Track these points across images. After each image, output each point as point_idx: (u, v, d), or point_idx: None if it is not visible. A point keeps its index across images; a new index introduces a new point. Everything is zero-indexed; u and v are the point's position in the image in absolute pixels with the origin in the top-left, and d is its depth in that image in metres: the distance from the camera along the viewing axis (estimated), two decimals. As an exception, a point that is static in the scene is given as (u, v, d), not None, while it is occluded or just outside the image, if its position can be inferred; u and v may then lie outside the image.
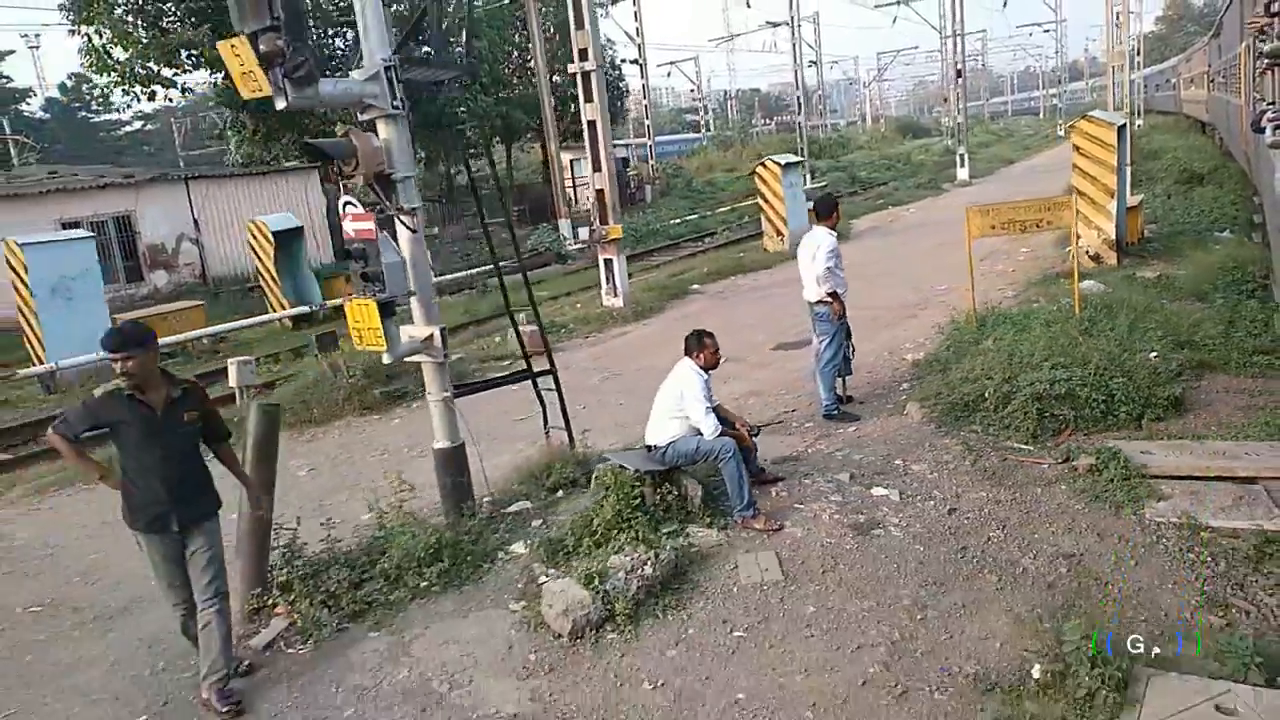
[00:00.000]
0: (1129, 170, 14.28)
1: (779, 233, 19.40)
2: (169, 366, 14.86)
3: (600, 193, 14.19)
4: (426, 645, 4.89)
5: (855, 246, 18.26)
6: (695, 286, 16.57)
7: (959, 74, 31.44)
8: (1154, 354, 7.77)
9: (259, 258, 17.58)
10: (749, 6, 42.13)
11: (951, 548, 5.24)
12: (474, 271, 21.50)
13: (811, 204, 8.69)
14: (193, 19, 23.87)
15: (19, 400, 13.43)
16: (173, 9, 24.96)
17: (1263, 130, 8.77)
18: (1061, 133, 56.91)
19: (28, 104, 75.73)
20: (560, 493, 6.66)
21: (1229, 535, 5.04)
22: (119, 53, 24.68)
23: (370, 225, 5.56)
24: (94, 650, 5.39)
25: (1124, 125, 13.25)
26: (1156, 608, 4.45)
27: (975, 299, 9.51)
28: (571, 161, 44.04)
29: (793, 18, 36.52)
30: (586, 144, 14.27)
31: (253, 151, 28.12)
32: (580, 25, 13.69)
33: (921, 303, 12.29)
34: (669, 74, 67.97)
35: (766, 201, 19.52)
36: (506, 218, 9.28)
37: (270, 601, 5.30)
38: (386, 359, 5.91)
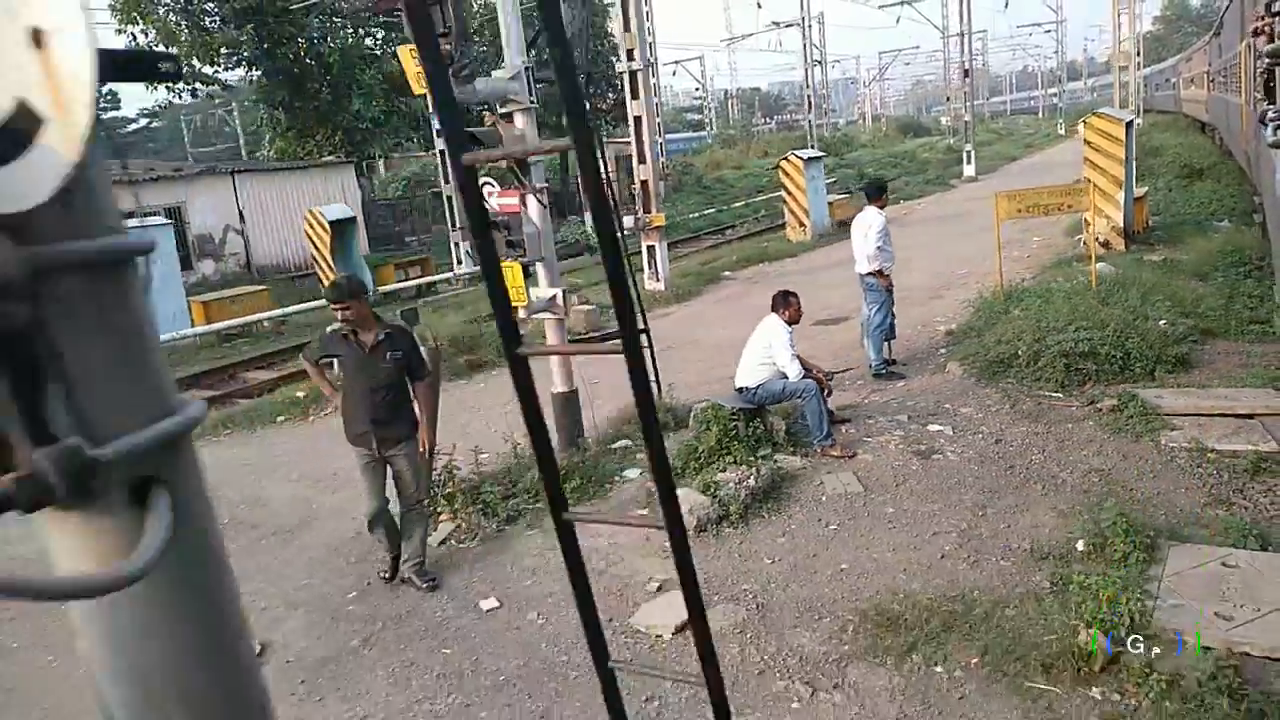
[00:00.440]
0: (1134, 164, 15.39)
1: (801, 223, 20.50)
2: (238, 344, 15.83)
3: (644, 183, 15.28)
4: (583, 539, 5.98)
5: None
6: (727, 273, 17.66)
7: (966, 73, 32.56)
8: (1162, 321, 8.87)
9: (316, 246, 18.64)
10: (759, 7, 43.16)
11: (1001, 467, 6.34)
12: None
13: (863, 189, 9.74)
14: (236, 20, 24.88)
15: (108, 374, 14.45)
16: (214, 9, 25.97)
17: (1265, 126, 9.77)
18: (1063, 131, 58.09)
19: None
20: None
21: (1230, 455, 6.14)
22: (165, 50, 25.67)
23: (515, 200, 6.66)
24: (287, 554, 6.47)
25: (1131, 121, 14.36)
26: (1173, 505, 5.55)
27: (1003, 276, 10.60)
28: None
29: (803, 18, 37.60)
30: (633, 138, 15.32)
31: (286, 147, 29.16)
32: (627, 28, 14.75)
33: (945, 285, 13.38)
34: (674, 73, 69.05)
35: (790, 194, 20.62)
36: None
37: (437, 510, 6.39)
38: (522, 314, 7.01)
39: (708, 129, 77.88)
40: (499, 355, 7.54)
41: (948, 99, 71.03)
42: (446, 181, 21.20)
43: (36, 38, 0.67)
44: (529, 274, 6.87)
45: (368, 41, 30.26)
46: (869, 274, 8.64)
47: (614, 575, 5.41)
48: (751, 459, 6.50)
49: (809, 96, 38.20)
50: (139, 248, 0.84)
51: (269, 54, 25.70)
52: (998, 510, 5.71)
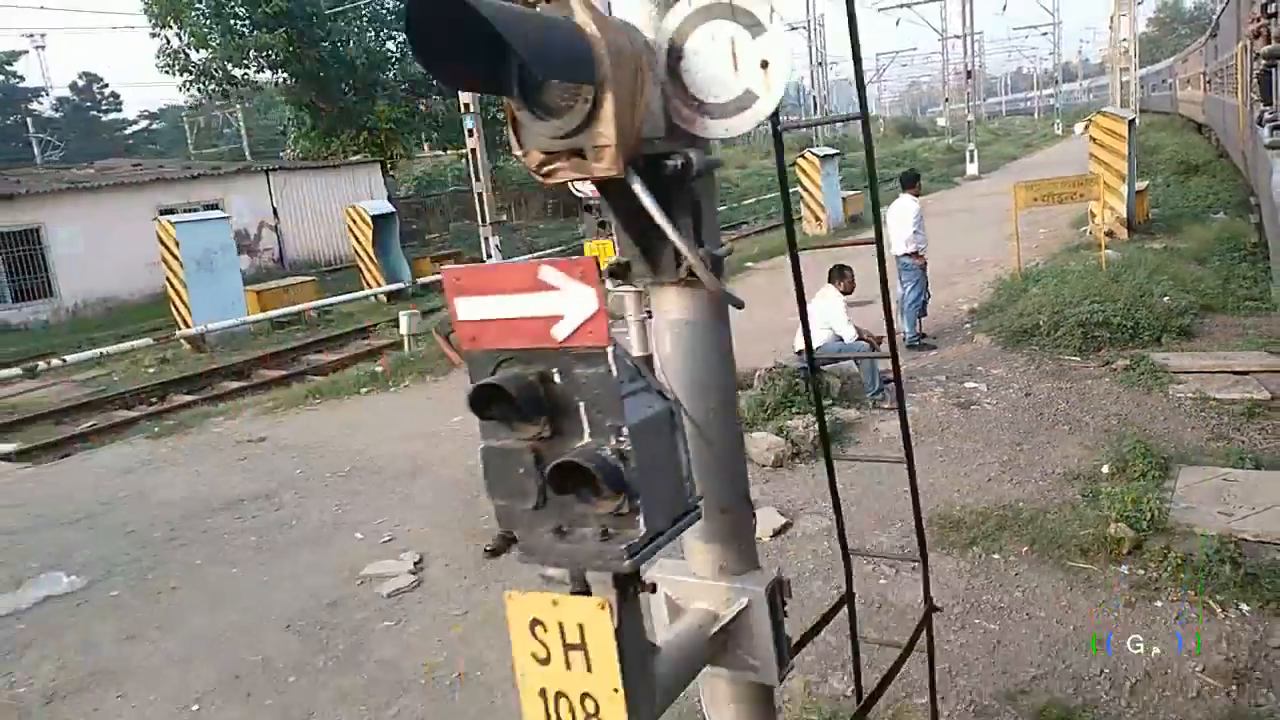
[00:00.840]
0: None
1: (817, 217, 21.51)
2: (289, 332, 16.82)
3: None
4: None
5: (887, 230, 20.36)
6: (750, 264, 18.67)
7: (969, 74, 33.64)
8: (1166, 298, 9.87)
9: (357, 239, 19.61)
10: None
11: (1031, 414, 7.35)
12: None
13: (899, 178, 10.71)
14: (268, 24, 25.83)
15: (176, 356, 15.44)
16: (245, 14, 26.92)
17: (1261, 127, 10.61)
18: (1059, 131, 59.18)
19: (39, 103, 77.43)
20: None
21: (1229, 403, 7.15)
22: (196, 54, 26.69)
23: (607, 185, 7.63)
24: (413, 490, 7.45)
25: (1134, 120, 15.40)
26: (1181, 440, 6.55)
27: (1020, 258, 11.62)
28: (595, 158, 45.99)
29: (810, 21, 38.64)
30: (665, 136, 16.25)
31: (310, 146, 30.12)
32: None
33: (961, 272, 14.39)
34: (677, 74, 69.73)
35: (806, 190, 21.63)
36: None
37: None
38: (609, 285, 7.99)
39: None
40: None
41: (945, 100, 72.10)
42: (477, 179, 22.10)
43: (764, 64, 1.66)
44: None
45: (389, 45, 31.22)
46: (905, 255, 9.63)
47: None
48: (812, 410, 7.49)
49: (815, 98, 39.23)
50: (718, 163, 1.85)
51: (297, 56, 26.66)
52: (1032, 446, 6.71)
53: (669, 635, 2.00)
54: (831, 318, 7.91)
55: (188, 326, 15.80)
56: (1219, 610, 4.49)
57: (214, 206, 23.91)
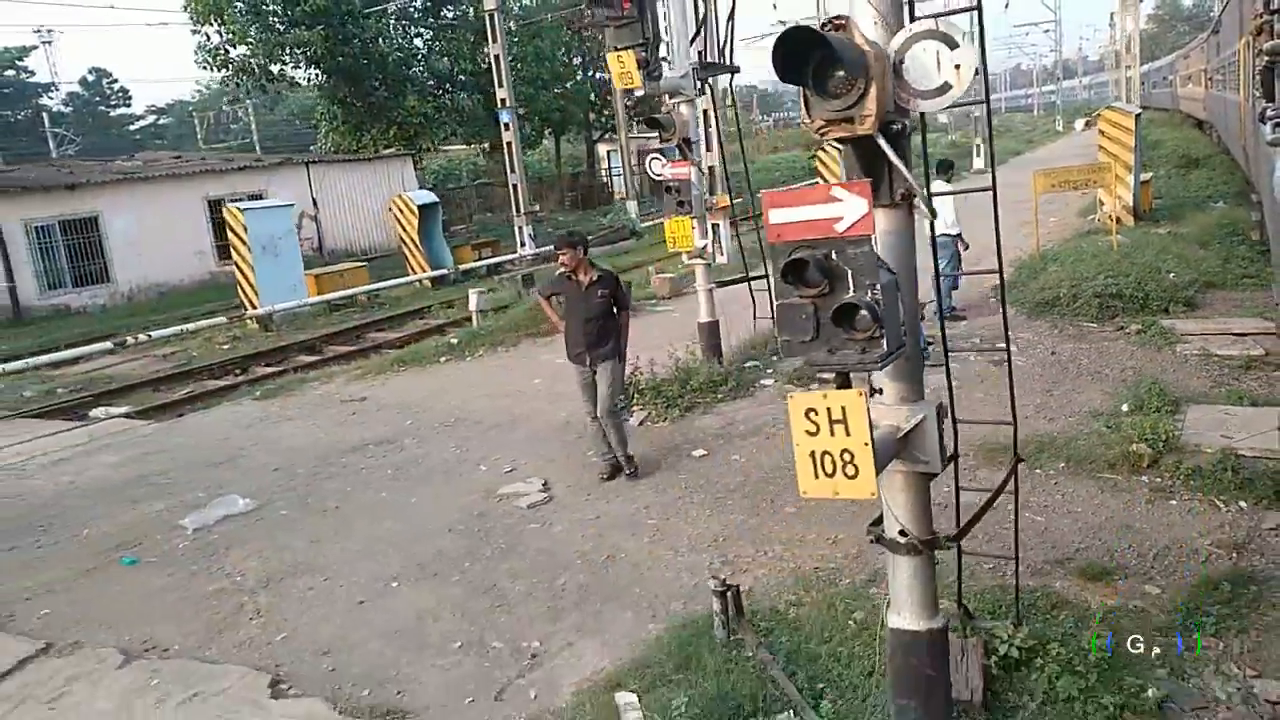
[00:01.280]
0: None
1: (837, 208, 22.57)
2: (344, 314, 17.97)
3: (711, 169, 17.32)
4: (745, 416, 8.09)
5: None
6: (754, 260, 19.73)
7: (977, 71, 34.50)
8: (1172, 274, 10.96)
9: (403, 227, 20.68)
10: (775, 8, 45.22)
11: (1058, 369, 8.45)
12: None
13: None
14: (307, 22, 26.86)
15: (245, 335, 16.52)
16: (282, 11, 27.92)
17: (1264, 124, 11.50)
18: (1060, 128, 60.15)
19: (50, 98, 78.36)
20: (774, 357, 9.85)
21: (1229, 358, 8.23)
22: (235, 50, 27.73)
23: (687, 170, 8.73)
24: (514, 437, 8.53)
25: (1139, 114, 16.49)
26: (1188, 386, 7.64)
27: (1039, 240, 12.71)
28: (608, 153, 47.13)
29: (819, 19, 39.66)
30: (701, 123, 17.33)
31: (341, 140, 31.17)
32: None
33: (979, 255, 15.48)
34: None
35: (827, 182, 22.68)
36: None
37: (632, 402, 8.46)
38: (685, 259, 9.08)
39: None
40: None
41: (949, 96, 72.38)
42: (512, 170, 23.16)
43: (956, 66, 2.75)
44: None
45: (416, 42, 32.26)
46: (940, 235, 10.70)
47: (780, 436, 7.51)
48: (867, 365, 8.59)
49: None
50: (916, 128, 2.95)
51: (334, 52, 27.70)
52: (1061, 392, 7.81)
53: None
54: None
55: (254, 307, 16.87)
56: (1222, 506, 5.59)
57: (257, 197, 24.97)
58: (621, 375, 7.40)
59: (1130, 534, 5.36)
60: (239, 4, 27.11)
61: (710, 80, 9.60)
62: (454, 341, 12.71)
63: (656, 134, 9.14)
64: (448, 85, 32.67)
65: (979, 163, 34.76)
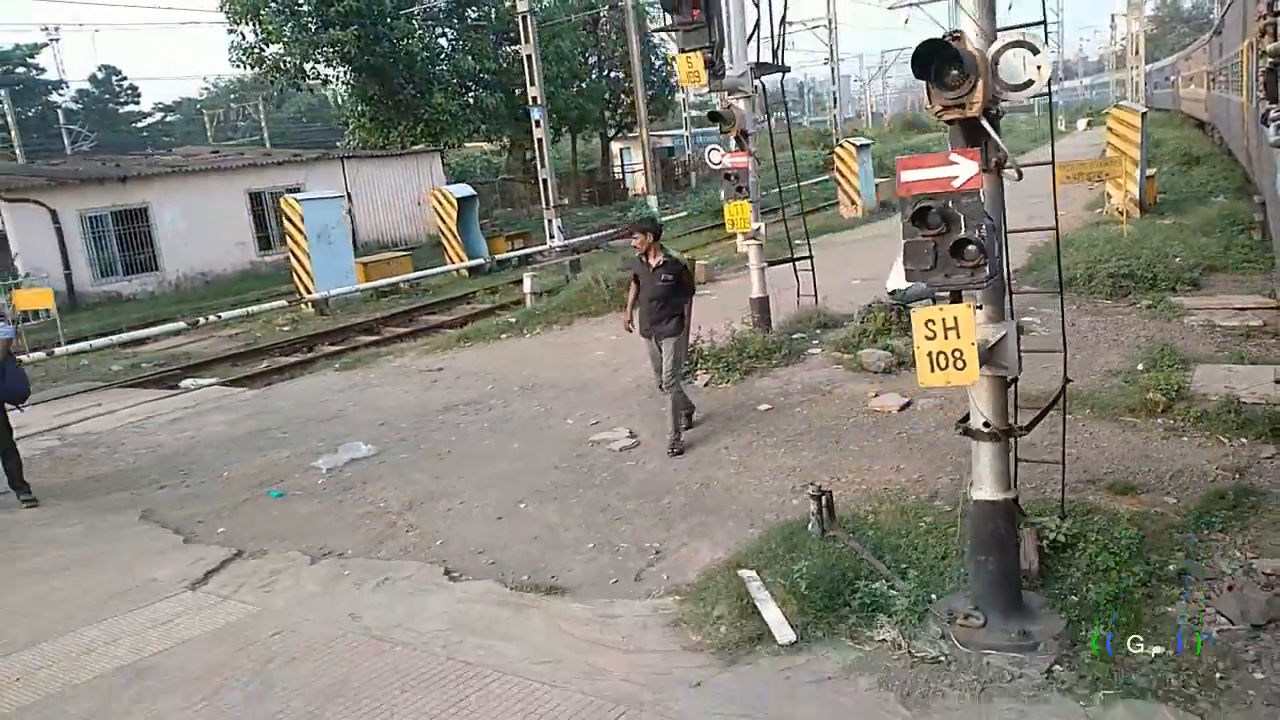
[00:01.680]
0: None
1: (853, 202, 23.61)
2: (391, 300, 18.97)
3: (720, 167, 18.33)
4: (799, 378, 9.09)
5: (917, 214, 22.47)
6: (798, 242, 20.72)
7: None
8: (1178, 259, 11.97)
9: (442, 219, 21.68)
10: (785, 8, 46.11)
11: (1079, 338, 9.45)
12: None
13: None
14: (341, 22, 27.81)
15: (302, 318, 17.52)
16: (314, 12, 28.82)
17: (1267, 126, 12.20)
18: (1062, 128, 61.08)
19: (60, 95, 79.31)
20: (819, 330, 10.85)
21: (1230, 328, 9.24)
22: (270, 49, 28.70)
23: (745, 159, 9.73)
24: (589, 399, 9.51)
25: (1145, 113, 17.51)
26: (1196, 351, 8.64)
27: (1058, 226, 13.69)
28: (621, 150, 48.10)
29: (830, 20, 40.73)
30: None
31: (368, 137, 32.13)
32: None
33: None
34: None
35: (843, 176, 23.73)
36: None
37: (696, 367, 9.46)
38: (741, 240, 10.09)
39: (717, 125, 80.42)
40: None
41: (953, 96, 73.26)
42: (542, 165, 24.18)
43: (1038, 68, 3.76)
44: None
45: (441, 41, 33.22)
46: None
47: (846, 391, 8.52)
48: (905, 336, 9.60)
49: (835, 93, 41.34)
50: (1004, 113, 3.97)
51: (364, 52, 28.67)
52: (1083, 357, 8.81)
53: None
54: (918, 264, 10.01)
55: (309, 292, 17.87)
56: (1226, 441, 6.59)
57: (295, 190, 25.95)
58: (683, 352, 8.17)
59: (1149, 461, 6.37)
60: (274, 4, 28.07)
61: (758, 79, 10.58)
62: (512, 320, 13.71)
63: (683, 130, 10.14)
64: (470, 84, 33.64)
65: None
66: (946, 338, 3.79)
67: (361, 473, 7.87)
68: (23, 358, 11.63)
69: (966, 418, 4.47)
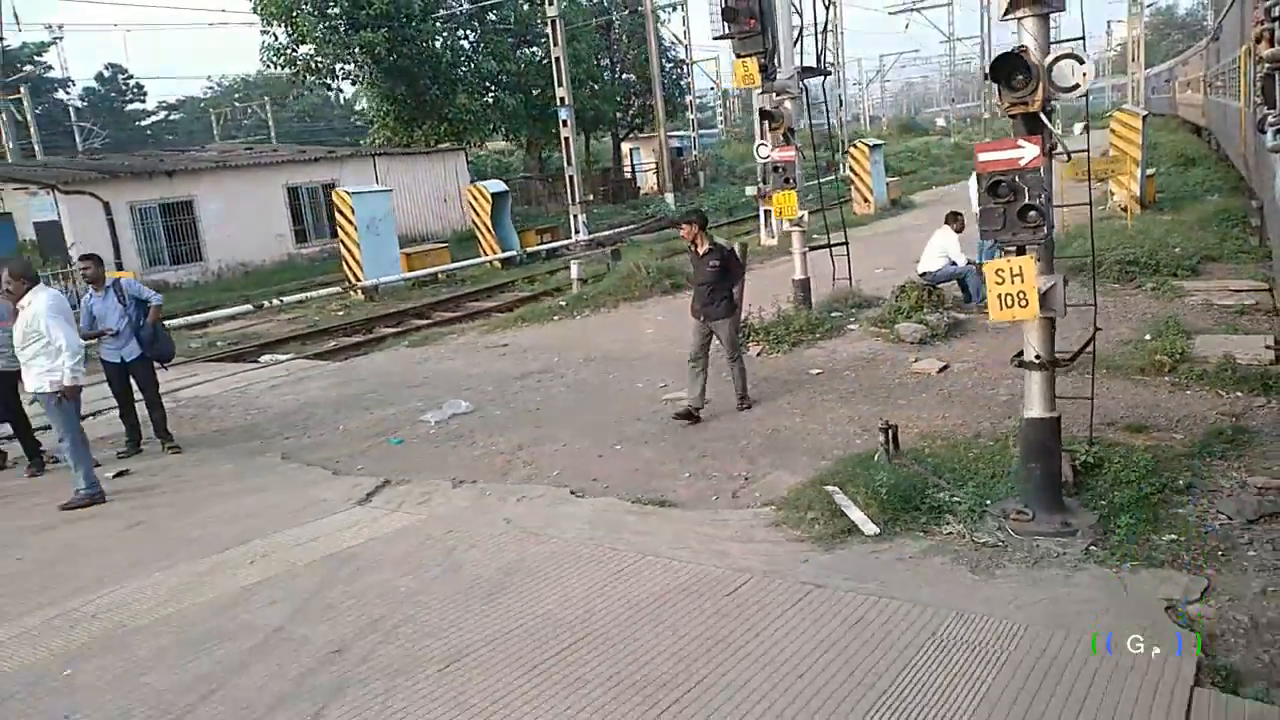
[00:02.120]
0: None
1: (866, 199, 24.75)
2: (432, 289, 20.17)
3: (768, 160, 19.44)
4: (843, 349, 10.19)
5: (928, 212, 23.61)
6: (817, 236, 21.85)
7: (986, 75, 36.83)
8: (1178, 249, 13.11)
9: (477, 213, 22.76)
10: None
11: (1091, 316, 10.57)
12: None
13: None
14: (372, 24, 28.85)
15: (353, 304, 18.58)
16: (344, 14, 29.83)
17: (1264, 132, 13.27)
18: (1059, 130, 62.39)
19: (66, 93, 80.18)
20: (853, 309, 11.96)
21: (1227, 306, 10.38)
22: (301, 49, 29.74)
23: (792, 153, 10.84)
24: (649, 366, 10.59)
25: (1146, 115, 18.67)
26: (1197, 325, 9.77)
27: (1063, 221, 14.82)
28: (631, 150, 49.21)
29: (838, 26, 41.89)
30: (756, 121, 19.44)
31: (391, 135, 33.16)
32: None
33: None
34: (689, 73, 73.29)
35: (857, 175, 24.87)
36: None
37: (746, 339, 10.56)
38: (787, 225, 11.20)
39: (719, 126, 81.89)
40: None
41: (952, 100, 74.93)
42: (569, 163, 25.26)
43: (1084, 75, 4.87)
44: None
45: (463, 44, 34.29)
46: (986, 210, 12.83)
47: (888, 358, 9.63)
48: (936, 313, 10.73)
49: (840, 95, 42.49)
50: (1056, 107, 5.10)
51: (393, 53, 29.72)
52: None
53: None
54: (949, 249, 11.13)
55: (358, 280, 18.93)
56: (1224, 394, 7.70)
57: (331, 186, 27.02)
58: (735, 330, 8.87)
59: (1158, 409, 7.49)
60: (306, 6, 29.11)
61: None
62: (562, 303, 14.80)
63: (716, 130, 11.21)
64: (490, 85, 34.73)
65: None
66: (1013, 282, 4.90)
67: (465, 425, 8.95)
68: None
69: (1020, 354, 5.57)
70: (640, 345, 11.81)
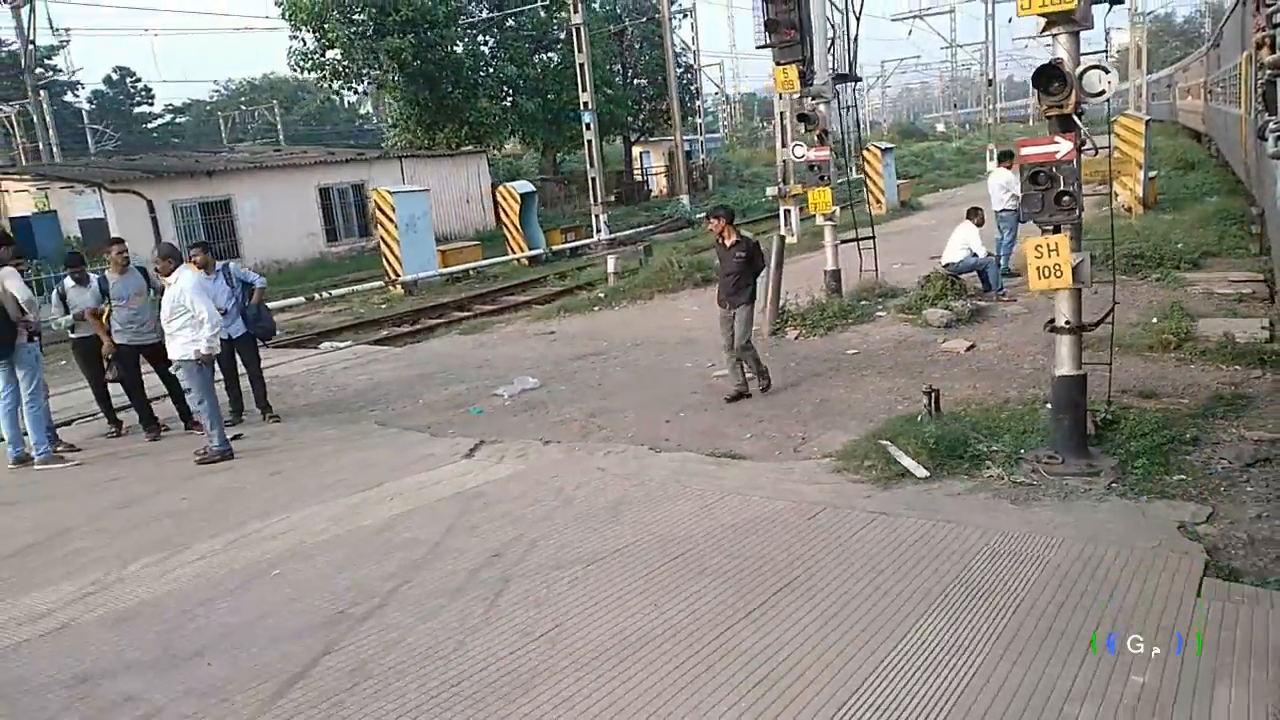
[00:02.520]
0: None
1: (878, 200, 25.70)
2: (466, 284, 21.26)
3: (784, 162, 20.43)
4: (875, 333, 11.12)
5: (936, 213, 24.59)
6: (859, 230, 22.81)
7: (990, 82, 37.94)
8: (1179, 245, 14.05)
9: (506, 212, 23.69)
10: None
11: (1102, 301, 11.49)
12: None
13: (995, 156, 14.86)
14: (399, 30, 29.81)
15: (393, 299, 19.51)
16: (371, 20, 30.77)
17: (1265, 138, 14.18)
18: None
19: (75, 96, 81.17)
20: (880, 298, 12.90)
21: (1226, 294, 11.31)
22: (329, 54, 30.70)
23: (826, 153, 11.77)
24: (693, 349, 11.49)
25: (1149, 120, 19.64)
26: (1199, 310, 10.70)
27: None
28: (641, 154, 50.18)
29: (848, 34, 42.84)
30: (776, 125, 20.43)
31: (413, 139, 34.10)
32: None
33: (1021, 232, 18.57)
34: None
35: (869, 177, 25.83)
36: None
37: (784, 324, 11.48)
38: (819, 220, 12.14)
39: (721, 131, 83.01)
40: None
41: (955, 105, 75.89)
42: (591, 165, 26.20)
43: (1109, 83, 5.81)
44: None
45: (483, 49, 35.25)
46: (1004, 210, 13.77)
47: (918, 339, 10.56)
48: (959, 301, 11.66)
49: (851, 101, 43.46)
50: (1085, 110, 6.05)
51: (418, 58, 30.69)
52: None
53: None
54: (970, 241, 12.07)
55: (397, 276, 19.85)
56: (1224, 367, 8.63)
57: (360, 186, 27.97)
58: (751, 318, 9.39)
59: (1166, 380, 8.42)
60: (334, 13, 30.06)
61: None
62: (601, 295, 15.72)
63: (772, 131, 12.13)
64: (508, 89, 35.70)
65: (991, 165, 37.94)
66: (1050, 257, 5.83)
67: (536, 398, 9.86)
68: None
69: (1052, 321, 6.50)
70: (682, 331, 12.72)
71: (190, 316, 7.86)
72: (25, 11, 33.14)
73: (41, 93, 52.28)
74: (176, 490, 7.39)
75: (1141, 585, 4.65)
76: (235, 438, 8.90)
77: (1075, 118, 5.82)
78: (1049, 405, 6.97)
